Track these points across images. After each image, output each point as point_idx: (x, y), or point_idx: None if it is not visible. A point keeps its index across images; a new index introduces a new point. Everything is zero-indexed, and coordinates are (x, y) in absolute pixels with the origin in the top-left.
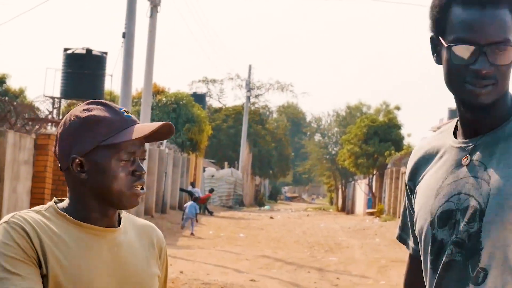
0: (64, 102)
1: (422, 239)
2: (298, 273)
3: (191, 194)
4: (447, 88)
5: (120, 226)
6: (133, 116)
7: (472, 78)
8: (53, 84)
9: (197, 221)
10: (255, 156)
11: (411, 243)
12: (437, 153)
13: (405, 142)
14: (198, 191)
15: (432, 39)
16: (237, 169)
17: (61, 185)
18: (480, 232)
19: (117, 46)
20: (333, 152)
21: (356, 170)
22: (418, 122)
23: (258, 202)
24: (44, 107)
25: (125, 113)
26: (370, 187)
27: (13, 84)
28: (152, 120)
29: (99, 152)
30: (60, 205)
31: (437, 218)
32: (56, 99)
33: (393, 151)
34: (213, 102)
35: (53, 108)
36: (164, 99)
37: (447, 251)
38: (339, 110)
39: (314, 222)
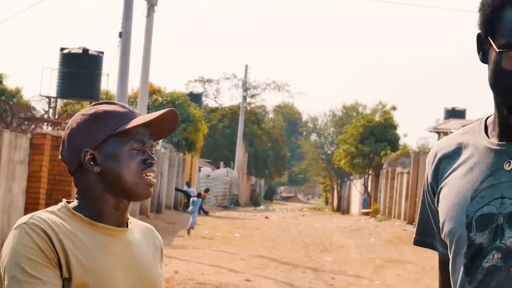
0: (60, 102)
1: (454, 242)
2: (293, 273)
3: (186, 194)
4: (491, 89)
5: (129, 226)
6: (137, 111)
7: None
8: (50, 83)
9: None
10: (251, 156)
11: (440, 247)
12: (462, 152)
13: (401, 142)
14: (194, 191)
15: (479, 36)
16: (233, 169)
17: (56, 184)
18: None
19: (113, 45)
20: (329, 152)
21: (352, 170)
22: (414, 123)
23: (254, 202)
24: (40, 107)
25: (131, 107)
26: (366, 187)
27: (9, 83)
28: None
29: (110, 142)
30: (71, 205)
31: (475, 221)
32: (52, 99)
33: (389, 151)
34: (209, 102)
35: (49, 107)
36: (160, 98)
37: (488, 256)
38: (335, 110)
39: (310, 222)
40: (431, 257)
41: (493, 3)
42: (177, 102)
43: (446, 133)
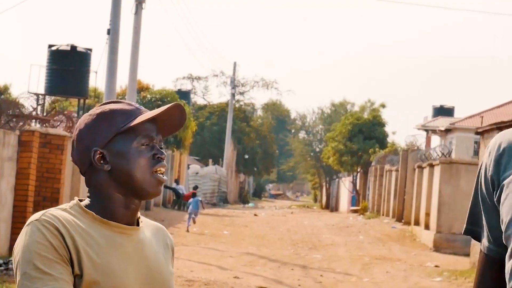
0: (48, 99)
1: None
2: (281, 270)
3: (175, 191)
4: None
5: (140, 225)
6: (144, 108)
7: None
8: (38, 80)
9: (195, 215)
10: (239, 153)
11: (485, 241)
12: None
13: (390, 139)
14: (182, 188)
15: None
16: (222, 166)
17: (44, 182)
18: None
19: (102, 42)
20: (318, 150)
21: (341, 167)
22: (403, 120)
23: (242, 199)
24: (29, 104)
25: (137, 104)
26: (354, 184)
27: None
28: None
29: (118, 140)
30: (83, 203)
31: None
32: (40, 96)
33: (377, 149)
34: (197, 99)
35: (37, 104)
36: (148, 96)
37: None
38: (324, 108)
39: (298, 219)
40: (419, 255)
41: None
42: (165, 100)
43: (434, 131)
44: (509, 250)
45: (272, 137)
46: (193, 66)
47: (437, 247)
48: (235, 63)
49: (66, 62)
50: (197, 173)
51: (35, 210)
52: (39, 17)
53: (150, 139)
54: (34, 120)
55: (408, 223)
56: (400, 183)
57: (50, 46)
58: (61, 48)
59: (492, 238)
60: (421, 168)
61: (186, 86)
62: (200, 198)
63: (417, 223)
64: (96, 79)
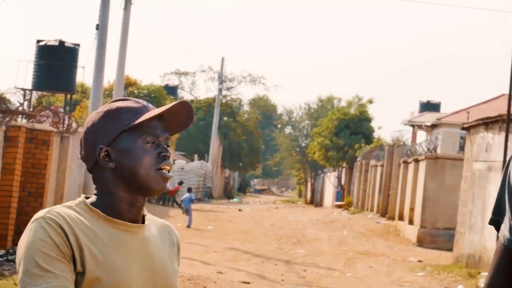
0: (35, 94)
1: None
2: (265, 266)
3: None
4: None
5: (146, 223)
6: (152, 106)
7: None
8: (25, 76)
9: (187, 210)
10: (225, 148)
11: (506, 233)
12: None
13: (376, 135)
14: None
15: None
16: (207, 161)
17: (30, 177)
18: None
19: (90, 38)
20: (303, 145)
21: (326, 163)
22: (389, 115)
23: (227, 194)
24: (15, 99)
25: (145, 102)
26: (339, 180)
27: None
28: None
29: (124, 137)
30: (89, 201)
31: None
32: (27, 91)
33: (363, 144)
34: (185, 95)
35: (24, 100)
36: (136, 91)
37: None
38: (310, 103)
39: (283, 214)
40: (402, 250)
41: None
42: (153, 95)
43: (420, 126)
44: None
45: (259, 133)
46: (181, 62)
47: (421, 242)
48: (223, 59)
49: (54, 58)
50: (182, 168)
51: (20, 205)
52: (27, 13)
53: (155, 137)
54: (20, 116)
55: (392, 218)
56: (385, 179)
57: (38, 41)
58: (49, 43)
59: None
60: (406, 163)
61: (173, 81)
62: (193, 195)
63: (401, 218)
64: (84, 75)
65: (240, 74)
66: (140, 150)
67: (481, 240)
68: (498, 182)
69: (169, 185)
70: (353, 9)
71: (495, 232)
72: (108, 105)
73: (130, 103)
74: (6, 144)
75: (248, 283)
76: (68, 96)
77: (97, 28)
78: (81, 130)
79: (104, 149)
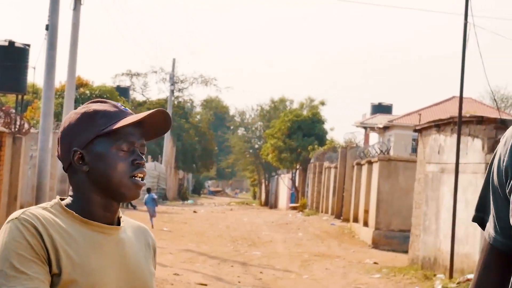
0: None
1: None
2: (221, 267)
3: None
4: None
5: (121, 225)
6: (130, 110)
7: None
8: None
9: (154, 211)
10: (178, 150)
11: (492, 231)
12: None
13: (328, 136)
14: None
15: None
16: (161, 163)
17: None
18: None
19: (40, 38)
20: (257, 147)
21: (280, 164)
22: (342, 117)
23: (182, 196)
24: None
25: (123, 107)
26: (293, 181)
27: None
28: None
29: (98, 142)
30: (64, 202)
31: None
32: None
33: (316, 146)
34: (136, 96)
35: None
36: (88, 92)
37: None
38: (263, 105)
39: (238, 216)
40: (358, 252)
41: None
42: (104, 96)
43: (372, 128)
44: None
45: (212, 134)
46: (132, 63)
47: (376, 244)
48: (174, 60)
49: (4, 58)
50: None
51: None
52: None
53: (130, 144)
54: None
55: (347, 220)
56: (339, 180)
57: None
58: None
59: (500, 229)
60: (359, 165)
61: (125, 82)
62: (154, 195)
63: (356, 220)
64: (35, 75)
65: (191, 75)
66: (114, 157)
67: (435, 242)
68: (451, 184)
69: None
70: (305, 10)
71: (468, 231)
72: (86, 106)
73: (107, 107)
74: None
75: (205, 285)
76: (20, 96)
77: (47, 29)
78: (59, 130)
79: (78, 152)
